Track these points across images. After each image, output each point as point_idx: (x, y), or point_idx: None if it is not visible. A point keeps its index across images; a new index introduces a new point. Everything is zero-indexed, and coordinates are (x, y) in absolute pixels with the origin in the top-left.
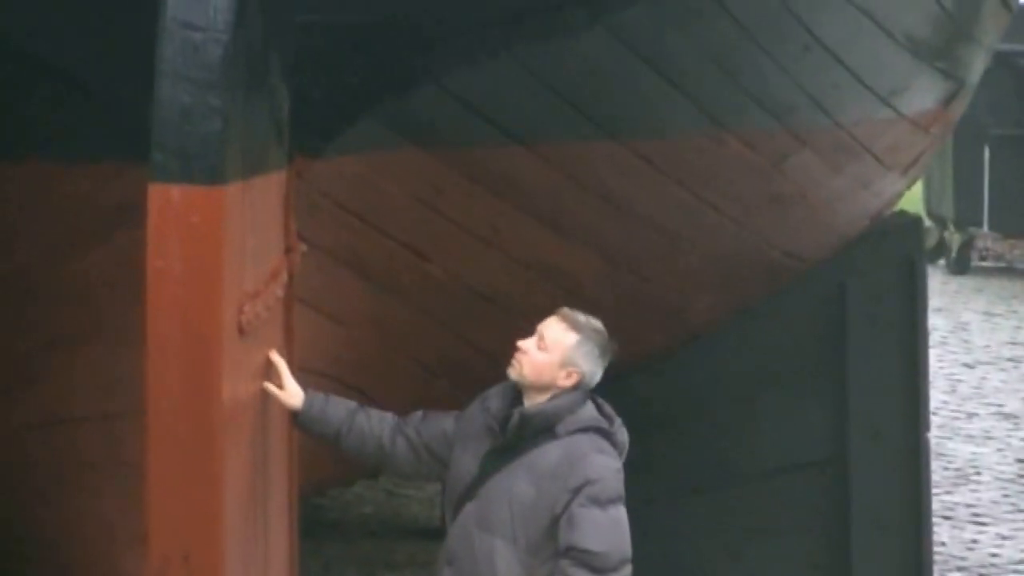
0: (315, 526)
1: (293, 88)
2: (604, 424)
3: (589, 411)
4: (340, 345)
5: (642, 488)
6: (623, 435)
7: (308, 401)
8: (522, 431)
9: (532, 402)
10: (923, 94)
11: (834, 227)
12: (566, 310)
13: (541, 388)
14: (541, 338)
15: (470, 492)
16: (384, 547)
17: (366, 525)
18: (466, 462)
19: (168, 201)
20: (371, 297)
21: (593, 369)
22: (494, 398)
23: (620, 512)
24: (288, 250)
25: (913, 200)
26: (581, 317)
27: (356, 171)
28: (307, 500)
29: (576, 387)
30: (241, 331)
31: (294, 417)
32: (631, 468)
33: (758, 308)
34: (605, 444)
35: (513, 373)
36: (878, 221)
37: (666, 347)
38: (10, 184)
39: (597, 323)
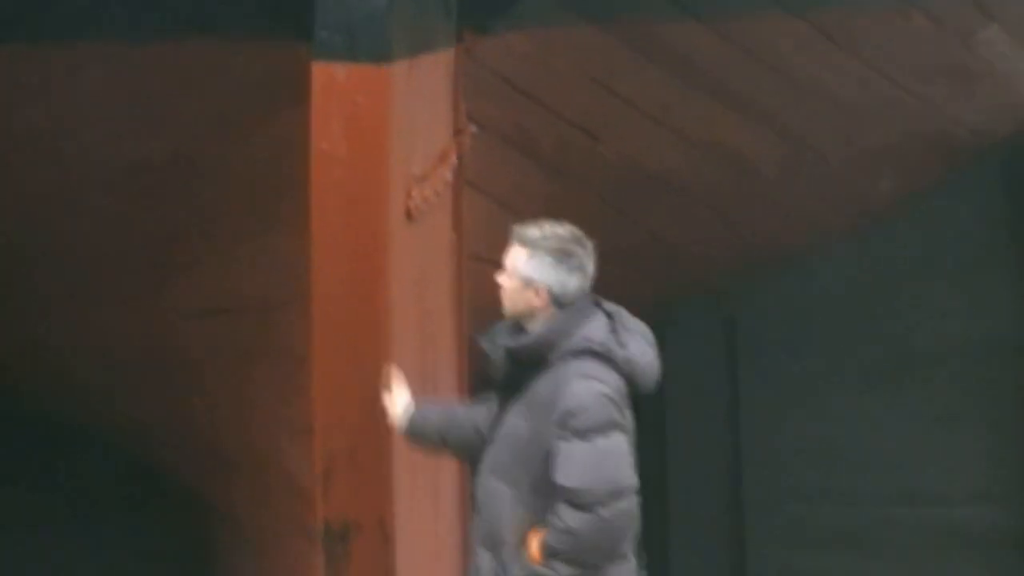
0: None
1: None
2: (598, 345)
3: (586, 331)
4: (509, 231)
5: (823, 375)
6: (630, 351)
7: (409, 420)
8: (517, 366)
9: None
10: None
11: (1022, 103)
12: (517, 227)
13: (528, 317)
14: (504, 266)
15: (489, 437)
16: None
17: None
18: (493, 407)
19: (332, 80)
20: (541, 180)
21: (558, 279)
22: (501, 333)
23: (608, 441)
24: (457, 132)
25: None
26: (532, 230)
27: (526, 48)
28: None
29: (554, 304)
30: (409, 216)
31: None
32: (811, 354)
33: (936, 188)
34: (595, 367)
35: (504, 311)
36: None
37: (846, 228)
38: (169, 64)
39: (554, 230)
